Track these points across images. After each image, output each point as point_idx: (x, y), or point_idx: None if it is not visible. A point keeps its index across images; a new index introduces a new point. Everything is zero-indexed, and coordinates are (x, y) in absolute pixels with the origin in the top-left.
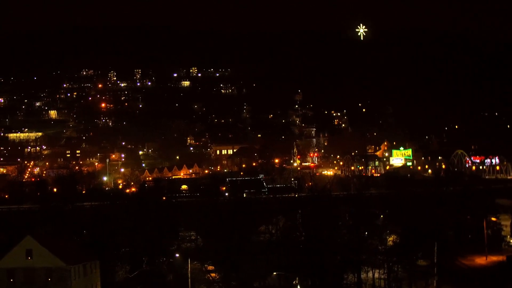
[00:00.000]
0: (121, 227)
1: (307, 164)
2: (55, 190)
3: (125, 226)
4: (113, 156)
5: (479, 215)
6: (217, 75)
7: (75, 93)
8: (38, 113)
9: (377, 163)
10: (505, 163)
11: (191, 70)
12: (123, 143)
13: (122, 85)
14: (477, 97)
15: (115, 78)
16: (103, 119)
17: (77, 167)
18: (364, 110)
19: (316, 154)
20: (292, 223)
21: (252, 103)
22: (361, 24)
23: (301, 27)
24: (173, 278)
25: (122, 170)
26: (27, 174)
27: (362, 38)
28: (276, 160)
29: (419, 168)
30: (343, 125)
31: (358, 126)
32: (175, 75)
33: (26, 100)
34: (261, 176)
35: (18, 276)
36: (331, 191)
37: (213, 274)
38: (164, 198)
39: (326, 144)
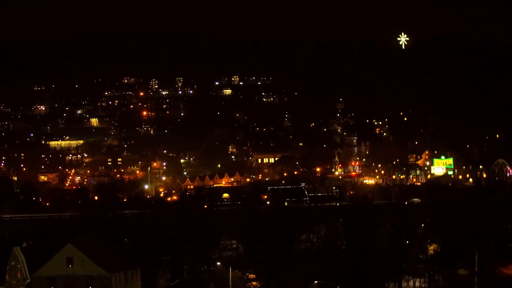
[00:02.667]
0: (162, 235)
1: (348, 172)
2: (96, 198)
3: (166, 234)
4: (155, 164)
5: None
6: (259, 83)
7: (116, 101)
8: (79, 121)
9: (418, 172)
10: None
11: (232, 79)
12: (165, 151)
13: (164, 93)
14: None
15: (156, 86)
16: (145, 127)
17: (118, 175)
18: (405, 118)
19: (357, 163)
20: (333, 232)
21: (294, 111)
22: (402, 33)
23: (343, 35)
24: (214, 287)
25: (164, 178)
26: (68, 182)
27: (403, 47)
28: (318, 169)
29: (460, 177)
30: (385, 133)
31: (399, 135)
32: (217, 83)
33: (67, 108)
34: (302, 184)
35: (59, 284)
36: (372, 199)
37: (254, 283)
38: (205, 206)
39: (367, 152)
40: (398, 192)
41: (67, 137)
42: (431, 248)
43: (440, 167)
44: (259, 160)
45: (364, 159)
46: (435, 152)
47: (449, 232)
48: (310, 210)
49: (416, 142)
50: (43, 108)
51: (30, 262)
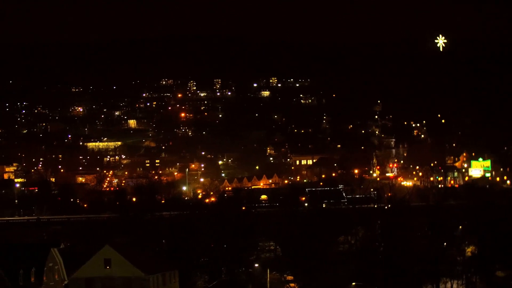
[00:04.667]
0: (200, 237)
1: (386, 174)
2: (134, 199)
3: (204, 235)
4: (193, 165)
5: None
6: (297, 85)
7: (154, 103)
8: (117, 123)
9: (456, 174)
10: None
11: (271, 80)
12: (203, 153)
13: (202, 94)
14: None
15: (194, 88)
16: (183, 128)
17: (156, 177)
18: (443, 121)
19: (395, 165)
20: (371, 234)
21: (332, 113)
22: (440, 35)
23: (380, 38)
24: None
25: (202, 180)
26: (106, 184)
27: (441, 49)
28: (356, 171)
29: (497, 179)
30: (422, 135)
31: (437, 137)
32: (255, 85)
33: (105, 109)
34: (340, 186)
35: (97, 285)
36: (410, 202)
37: (292, 284)
38: (243, 208)
39: (405, 154)
40: (436, 194)
41: (105, 139)
42: (469, 250)
43: (478, 169)
44: (297, 162)
45: (402, 161)
46: (473, 154)
47: (487, 234)
48: (348, 212)
49: (454, 144)
50: (81, 110)
51: (68, 264)
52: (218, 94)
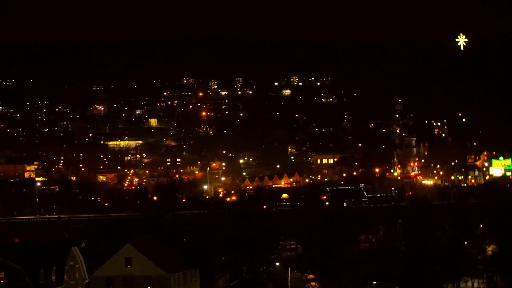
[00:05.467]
0: (221, 236)
1: (407, 173)
2: (155, 198)
3: (225, 234)
4: (214, 164)
5: None
6: (318, 84)
7: (175, 101)
8: (138, 121)
9: (476, 173)
10: None
11: (291, 79)
12: (224, 152)
13: (223, 93)
14: None
15: (215, 87)
16: (204, 127)
17: (177, 176)
18: (464, 120)
19: (416, 164)
20: (392, 233)
21: (353, 112)
22: (461, 34)
23: (401, 36)
24: (273, 287)
25: (223, 178)
26: (127, 182)
27: (462, 48)
28: (377, 170)
29: None
30: (443, 134)
31: (458, 135)
32: (276, 84)
33: (126, 108)
34: (361, 185)
35: (118, 284)
36: (431, 200)
37: (313, 283)
38: (264, 206)
39: (426, 153)
40: (457, 193)
41: (126, 137)
42: (490, 249)
43: (499, 168)
44: (318, 161)
45: (422, 160)
46: (494, 153)
47: (508, 233)
48: (369, 210)
49: (475, 143)
50: (102, 108)
51: (89, 262)
52: (239, 92)
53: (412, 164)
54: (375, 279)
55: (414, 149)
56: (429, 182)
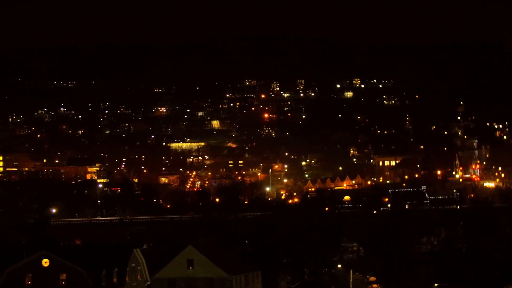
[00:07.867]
0: (283, 238)
1: (469, 176)
2: (217, 200)
3: (288, 236)
4: (276, 166)
5: None
6: (380, 86)
7: (238, 103)
8: (200, 123)
9: None
10: None
11: (354, 81)
12: (286, 154)
13: (285, 95)
14: None
15: (278, 89)
16: (266, 129)
17: (239, 177)
18: None
19: (478, 166)
20: (453, 235)
21: (415, 114)
22: None
23: (462, 38)
24: None
25: (285, 180)
26: (189, 184)
27: None
28: (438, 172)
29: None
30: (505, 137)
31: None
32: (338, 86)
33: (188, 110)
34: (423, 187)
35: (179, 286)
36: (493, 203)
37: (375, 285)
38: (326, 208)
39: (487, 156)
40: None
41: (188, 139)
42: None
43: None
44: (380, 163)
45: (484, 162)
46: None
47: None
48: (430, 213)
49: None
50: (164, 110)
51: (150, 264)
52: (302, 94)
53: (473, 167)
54: (436, 281)
55: (476, 151)
56: (490, 184)
